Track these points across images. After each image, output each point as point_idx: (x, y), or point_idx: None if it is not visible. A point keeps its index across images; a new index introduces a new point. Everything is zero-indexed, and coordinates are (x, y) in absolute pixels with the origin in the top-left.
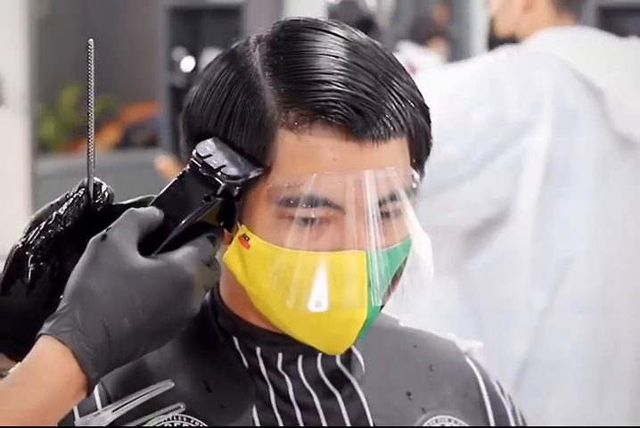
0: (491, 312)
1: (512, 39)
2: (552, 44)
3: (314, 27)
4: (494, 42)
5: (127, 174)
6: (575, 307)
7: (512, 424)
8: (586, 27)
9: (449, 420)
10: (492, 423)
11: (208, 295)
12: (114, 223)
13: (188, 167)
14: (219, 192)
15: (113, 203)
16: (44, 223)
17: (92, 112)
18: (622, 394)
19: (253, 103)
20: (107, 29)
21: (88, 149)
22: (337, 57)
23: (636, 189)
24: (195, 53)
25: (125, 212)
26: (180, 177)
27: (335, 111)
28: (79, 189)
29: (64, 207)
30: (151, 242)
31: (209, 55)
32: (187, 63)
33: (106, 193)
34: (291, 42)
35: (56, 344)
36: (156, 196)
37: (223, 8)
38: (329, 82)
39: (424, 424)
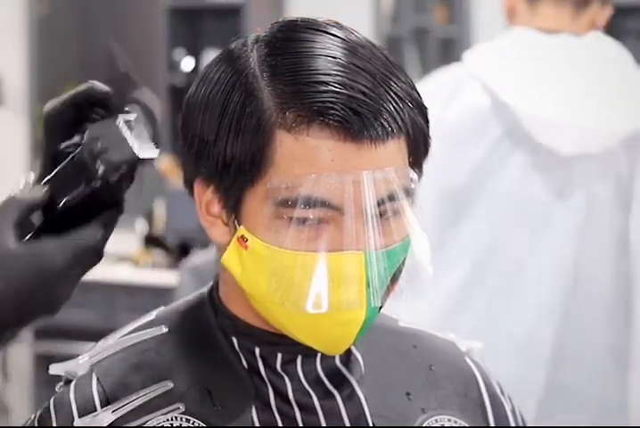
0: None
1: None
2: (472, 61)
3: (311, 27)
4: None
5: None
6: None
7: (512, 424)
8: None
9: (449, 420)
10: (492, 423)
11: (207, 295)
12: None
13: (80, 147)
14: (99, 176)
15: None
16: None
17: None
18: None
19: (251, 104)
20: (107, 29)
21: None
22: (335, 58)
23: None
24: (195, 53)
25: (6, 198)
26: (72, 158)
27: (333, 112)
28: None
29: None
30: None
31: (209, 55)
32: (187, 63)
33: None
34: (289, 43)
35: None
36: (49, 175)
37: (223, 8)
38: (327, 83)
39: (424, 424)
